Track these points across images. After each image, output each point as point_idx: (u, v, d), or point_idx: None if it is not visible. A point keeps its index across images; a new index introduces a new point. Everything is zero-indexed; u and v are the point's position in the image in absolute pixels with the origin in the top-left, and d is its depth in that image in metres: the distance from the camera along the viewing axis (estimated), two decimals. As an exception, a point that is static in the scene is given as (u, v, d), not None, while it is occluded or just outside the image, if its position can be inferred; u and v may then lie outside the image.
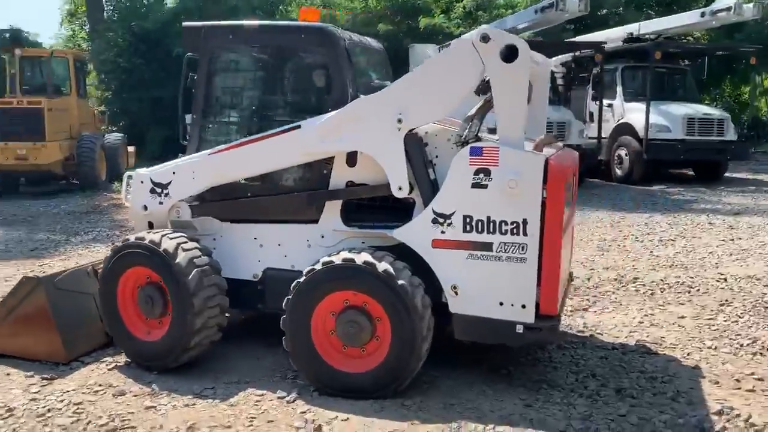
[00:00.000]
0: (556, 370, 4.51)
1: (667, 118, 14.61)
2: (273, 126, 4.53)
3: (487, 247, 4.02)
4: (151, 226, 4.86)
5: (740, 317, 5.58)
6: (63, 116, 14.83)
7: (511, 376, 4.41)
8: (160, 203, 4.76)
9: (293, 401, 4.06)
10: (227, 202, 4.74)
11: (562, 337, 4.95)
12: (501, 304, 4.02)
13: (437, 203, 4.10)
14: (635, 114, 14.89)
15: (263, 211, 4.67)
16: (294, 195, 4.60)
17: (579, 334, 5.29)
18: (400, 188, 4.19)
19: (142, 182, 4.80)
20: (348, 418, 3.83)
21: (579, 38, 18.80)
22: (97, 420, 3.82)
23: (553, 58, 17.20)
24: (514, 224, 3.95)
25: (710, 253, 8.04)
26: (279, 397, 4.11)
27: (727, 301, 6.06)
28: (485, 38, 3.87)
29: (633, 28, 16.58)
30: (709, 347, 4.95)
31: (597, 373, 4.44)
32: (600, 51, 14.34)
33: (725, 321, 5.51)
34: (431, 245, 4.13)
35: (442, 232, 4.09)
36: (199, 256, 4.43)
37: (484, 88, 4.98)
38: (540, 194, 3.89)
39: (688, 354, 4.82)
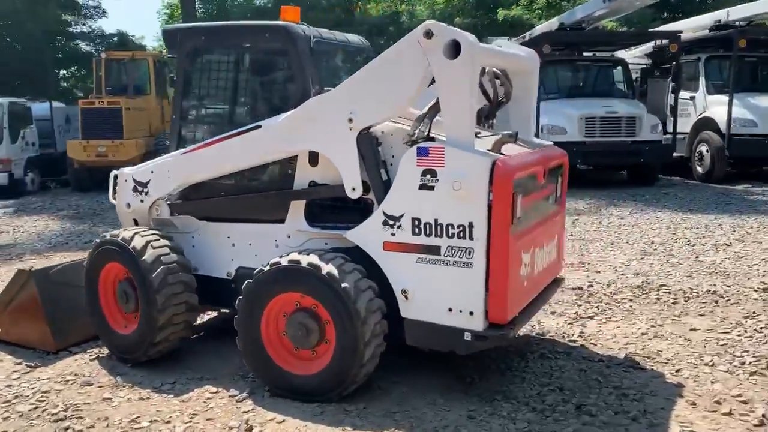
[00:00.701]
0: (523, 381, 4.28)
1: (752, 112, 13.51)
2: (243, 125, 4.57)
3: (435, 250, 3.87)
4: (136, 223, 5.03)
5: (758, 332, 5.08)
6: (141, 115, 15.66)
7: (472, 385, 4.23)
8: (142, 201, 4.91)
9: (242, 400, 4.08)
10: (202, 201, 4.83)
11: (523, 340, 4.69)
12: (450, 310, 3.87)
13: (387, 205, 3.99)
14: (718, 107, 13.87)
15: (234, 210, 4.72)
16: (260, 195, 4.62)
17: (570, 343, 5.00)
18: (353, 189, 4.11)
19: (125, 181, 4.98)
20: (284, 420, 3.81)
21: (664, 27, 17.78)
22: (52, 408, 4.01)
23: (636, 49, 16.43)
24: (461, 227, 3.78)
25: (763, 260, 7.37)
26: (231, 396, 4.15)
27: (753, 313, 5.53)
28: (428, 34, 3.72)
29: (721, 14, 15.45)
30: (707, 363, 4.53)
31: (566, 387, 4.17)
32: (675, 40, 13.47)
33: (739, 336, 5.03)
34: (382, 248, 4.02)
35: (393, 235, 3.98)
36: (168, 254, 4.54)
37: None
38: (486, 197, 3.70)
39: (678, 370, 4.43)
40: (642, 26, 19.67)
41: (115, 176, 5.05)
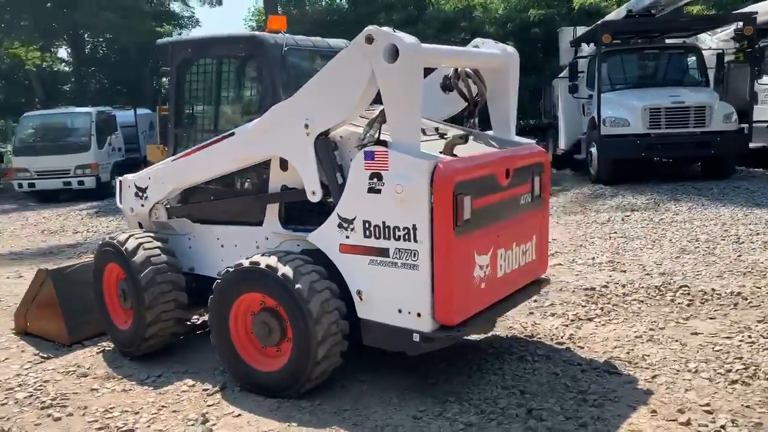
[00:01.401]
0: (486, 383, 4.25)
1: (840, 97, 12.48)
2: (226, 132, 4.79)
3: (384, 253, 3.93)
4: (141, 226, 5.38)
5: (763, 338, 4.76)
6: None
7: (433, 386, 4.25)
8: (142, 205, 5.25)
9: (212, 394, 4.32)
10: (194, 205, 5.11)
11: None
12: (400, 311, 3.92)
13: (341, 208, 4.09)
14: (802, 93, 12.91)
15: (221, 213, 4.96)
16: (240, 198, 4.83)
17: (556, 345, 4.90)
18: (313, 193, 4.23)
19: (129, 187, 5.34)
20: (240, 415, 4.00)
21: (750, 8, 16.64)
22: (44, 397, 4.39)
23: (720, 32, 15.50)
24: (406, 230, 3.83)
25: (812, 259, 6.86)
26: (204, 390, 4.39)
27: (769, 317, 5.20)
28: (369, 39, 3.78)
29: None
30: (690, 370, 4.32)
31: (528, 391, 4.12)
32: (750, 23, 12.61)
33: (740, 341, 4.74)
34: (339, 250, 4.13)
35: (347, 237, 4.07)
36: (158, 255, 4.84)
37: (445, 85, 4.86)
38: (427, 199, 3.72)
39: (654, 377, 4.25)
40: (729, 8, 18.46)
41: (120, 182, 5.42)
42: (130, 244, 4.85)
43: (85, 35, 29.48)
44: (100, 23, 24.10)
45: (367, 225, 3.98)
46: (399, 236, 3.86)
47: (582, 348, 4.84)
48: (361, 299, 4.07)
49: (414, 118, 3.84)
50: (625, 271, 6.87)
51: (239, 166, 4.69)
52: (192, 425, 3.90)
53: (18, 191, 16.91)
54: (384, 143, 3.95)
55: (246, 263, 4.21)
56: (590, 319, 5.43)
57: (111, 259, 5.02)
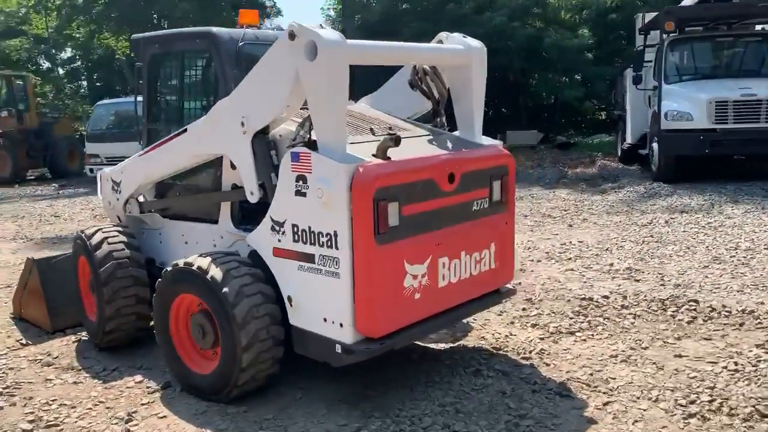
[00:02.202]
0: (425, 398, 4.01)
1: None
2: (188, 127, 4.76)
3: (311, 259, 3.78)
4: (120, 219, 5.46)
5: (751, 366, 4.27)
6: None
7: (368, 398, 4.06)
8: (117, 199, 5.32)
9: (152, 392, 4.32)
10: (163, 200, 5.12)
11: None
12: (325, 320, 3.77)
13: (272, 210, 3.97)
14: None
15: (182, 209, 4.95)
16: (198, 195, 4.79)
17: (522, 360, 4.59)
18: (251, 193, 4.13)
19: (107, 180, 5.42)
20: (165, 416, 3.97)
21: None
22: (2, 382, 4.52)
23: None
24: (328, 236, 3.66)
25: None
26: (147, 387, 4.40)
27: (771, 342, 4.66)
28: (291, 35, 3.62)
29: None
30: (650, 398, 3.92)
31: (464, 410, 3.86)
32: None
33: (724, 368, 4.26)
34: (272, 253, 4.01)
35: (279, 241, 3.95)
36: (121, 250, 4.89)
37: (411, 82, 4.64)
38: (346, 206, 3.53)
39: (606, 403, 3.89)
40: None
41: (100, 176, 5.51)
42: (96, 238, 4.92)
43: (164, 25, 30.63)
44: (178, 13, 24.91)
45: (295, 229, 3.84)
46: (323, 242, 3.69)
47: (547, 365, 4.50)
48: (291, 305, 3.94)
49: (338, 118, 3.65)
50: (638, 281, 6.38)
51: (193, 163, 4.64)
52: (115, 423, 3.90)
53: (90, 176, 17.76)
54: (313, 144, 3.78)
55: (181, 263, 4.17)
56: (572, 333, 5.06)
57: (81, 252, 5.11)
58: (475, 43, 4.42)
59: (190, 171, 4.81)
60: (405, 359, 4.61)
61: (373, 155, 3.75)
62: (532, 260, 7.35)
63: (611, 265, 6.98)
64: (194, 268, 4.05)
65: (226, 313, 3.89)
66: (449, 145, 4.32)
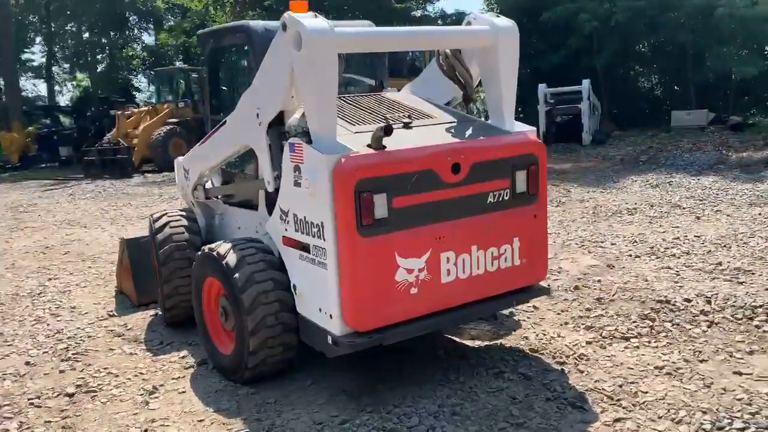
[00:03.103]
0: (428, 395, 3.87)
1: None
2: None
3: (307, 249, 3.82)
4: (193, 205, 5.84)
5: (746, 390, 3.62)
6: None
7: (372, 392, 4.00)
8: (187, 186, 5.68)
9: (188, 368, 4.60)
10: (219, 187, 5.40)
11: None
12: (320, 310, 3.79)
13: (280, 200, 4.04)
14: None
15: (233, 196, 5.18)
16: (239, 184, 4.98)
17: (555, 365, 4.26)
18: (268, 182, 4.22)
19: (180, 168, 5.80)
20: (184, 392, 4.22)
21: None
22: (73, 349, 5.07)
23: None
24: (317, 227, 3.66)
25: None
26: (186, 363, 4.69)
27: None
28: (284, 26, 3.65)
29: None
30: (674, 419, 3.45)
31: (462, 413, 3.67)
32: None
33: (704, 385, 3.66)
34: (282, 242, 4.09)
35: (286, 230, 4.02)
36: (181, 233, 5.24)
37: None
38: (329, 196, 3.50)
39: (618, 420, 3.49)
40: None
41: (176, 164, 5.91)
42: (160, 222, 5.32)
43: (329, 16, 31.90)
44: (342, 2, 25.86)
45: (296, 218, 3.88)
46: (314, 233, 3.70)
47: (581, 373, 4.14)
48: (295, 293, 3.99)
49: (326, 108, 3.61)
50: (741, 284, 5.62)
51: (233, 152, 4.82)
52: (141, 395, 4.22)
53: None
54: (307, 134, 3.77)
55: (207, 248, 4.38)
56: (626, 338, 4.59)
57: (151, 235, 5.55)
58: (503, 22, 4.12)
59: (241, 159, 5.00)
60: (430, 354, 4.49)
61: (368, 145, 3.67)
62: (631, 255, 6.74)
63: (719, 264, 6.20)
64: (215, 253, 4.24)
65: (236, 297, 4.03)
66: (468, 133, 4.09)
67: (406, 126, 4.07)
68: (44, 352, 5.06)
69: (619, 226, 8.18)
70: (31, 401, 4.22)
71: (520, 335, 4.79)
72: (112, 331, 5.49)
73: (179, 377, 4.46)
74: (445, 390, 3.96)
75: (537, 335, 4.75)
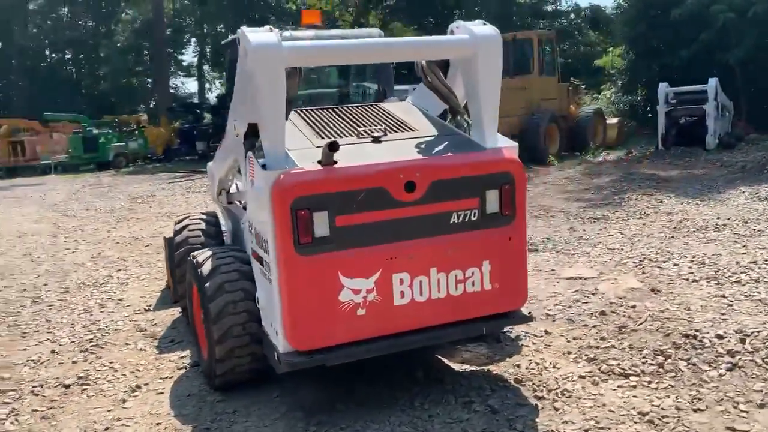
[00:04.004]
0: (384, 420, 3.73)
1: None
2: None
3: (261, 262, 3.82)
4: (220, 209, 6.02)
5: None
6: (516, 95, 16.20)
7: (329, 412, 3.92)
8: (214, 190, 5.86)
9: (181, 369, 4.77)
10: (237, 193, 5.51)
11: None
12: (271, 325, 3.78)
13: (247, 212, 4.06)
14: None
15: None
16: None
17: (531, 400, 3.95)
18: (246, 193, 4.26)
19: (209, 172, 5.99)
20: (162, 393, 4.38)
21: None
22: (95, 341, 5.42)
23: None
24: (265, 243, 3.65)
25: None
26: (182, 363, 4.86)
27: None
28: (237, 40, 3.64)
29: None
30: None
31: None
32: None
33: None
34: (252, 254, 4.12)
35: (252, 242, 4.04)
36: (197, 236, 5.43)
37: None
38: (269, 213, 3.48)
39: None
40: None
41: (208, 168, 6.11)
42: (180, 224, 5.55)
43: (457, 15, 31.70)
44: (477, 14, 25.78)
45: (254, 232, 3.90)
46: (265, 248, 3.70)
47: (555, 411, 3.81)
48: (258, 306, 4.00)
49: (273, 122, 3.57)
50: (797, 320, 4.91)
51: (229, 163, 4.89)
52: (124, 391, 4.42)
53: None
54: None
55: (191, 255, 4.49)
56: (625, 376, 4.16)
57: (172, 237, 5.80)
58: (483, 30, 3.86)
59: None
60: (408, 374, 4.32)
61: (318, 162, 3.59)
62: (687, 279, 6.09)
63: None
64: (195, 261, 4.34)
65: (205, 306, 4.11)
66: (437, 149, 3.89)
67: (376, 140, 3.94)
68: (72, 342, 5.46)
69: (696, 244, 7.43)
70: (32, 389, 4.55)
71: (513, 362, 4.49)
72: (138, 325, 5.80)
73: (167, 377, 4.62)
74: (402, 417, 3.80)
75: (530, 364, 4.43)
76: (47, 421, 4.09)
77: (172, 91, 43.86)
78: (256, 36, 3.49)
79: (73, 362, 5.02)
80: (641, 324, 5.01)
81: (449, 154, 3.83)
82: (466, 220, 3.75)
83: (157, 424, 3.95)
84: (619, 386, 4.05)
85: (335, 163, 3.56)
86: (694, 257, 6.81)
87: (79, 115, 30.13)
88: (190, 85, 51.57)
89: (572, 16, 37.98)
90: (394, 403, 3.97)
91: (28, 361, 5.08)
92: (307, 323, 3.53)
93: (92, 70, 45.01)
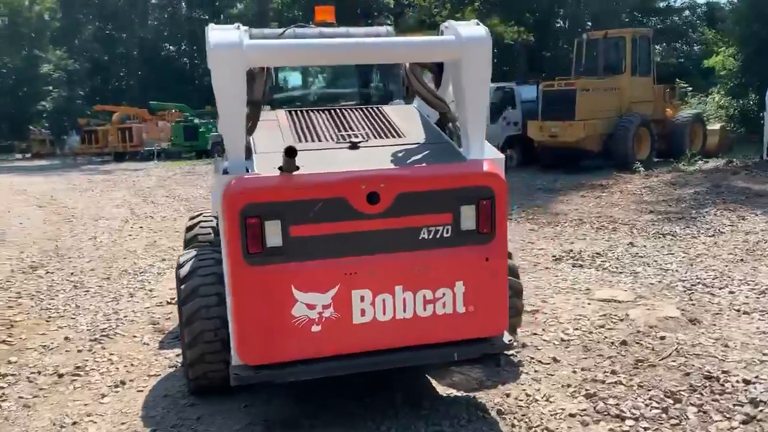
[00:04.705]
0: (334, 445, 3.54)
1: None
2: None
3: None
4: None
5: None
6: (607, 96, 15.35)
7: (296, 428, 3.75)
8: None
9: (171, 367, 4.75)
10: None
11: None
12: (230, 336, 3.64)
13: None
14: None
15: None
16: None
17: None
18: (229, 195, 4.15)
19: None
20: (141, 390, 4.37)
21: None
22: (108, 330, 5.52)
23: None
24: (223, 249, 3.51)
25: None
26: (173, 361, 4.84)
27: None
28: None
29: None
30: None
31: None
32: None
33: None
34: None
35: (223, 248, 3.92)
36: (207, 234, 5.40)
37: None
38: (222, 221, 3.35)
39: None
40: None
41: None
42: (193, 221, 5.54)
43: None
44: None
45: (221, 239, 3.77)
46: (224, 255, 3.55)
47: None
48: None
49: (231, 124, 3.41)
50: None
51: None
52: (108, 386, 4.44)
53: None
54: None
55: (179, 256, 4.44)
56: (621, 419, 3.72)
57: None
58: (470, 31, 3.53)
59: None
60: (385, 396, 4.07)
61: (279, 168, 3.41)
62: (738, 311, 5.44)
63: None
64: (177, 264, 4.29)
65: (180, 309, 4.04)
66: (412, 159, 3.61)
67: (353, 146, 3.72)
68: (87, 329, 5.59)
69: (767, 270, 6.67)
70: (29, 376, 4.67)
71: (503, 390, 4.14)
72: (153, 318, 5.86)
73: (154, 375, 4.62)
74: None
75: (521, 394, 4.07)
76: (27, 410, 4.16)
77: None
78: (216, 34, 3.34)
79: (78, 351, 5.12)
80: (663, 359, 4.50)
81: (423, 165, 3.54)
82: (438, 236, 3.45)
83: (122, 423, 3.92)
84: (609, 430, 3.62)
85: (297, 168, 3.37)
86: (756, 285, 6.10)
87: (182, 104, 31.52)
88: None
89: (686, 12, 35.80)
90: (360, 425, 3.74)
91: (39, 346, 5.23)
92: (256, 337, 3.37)
93: (203, 62, 47.11)
